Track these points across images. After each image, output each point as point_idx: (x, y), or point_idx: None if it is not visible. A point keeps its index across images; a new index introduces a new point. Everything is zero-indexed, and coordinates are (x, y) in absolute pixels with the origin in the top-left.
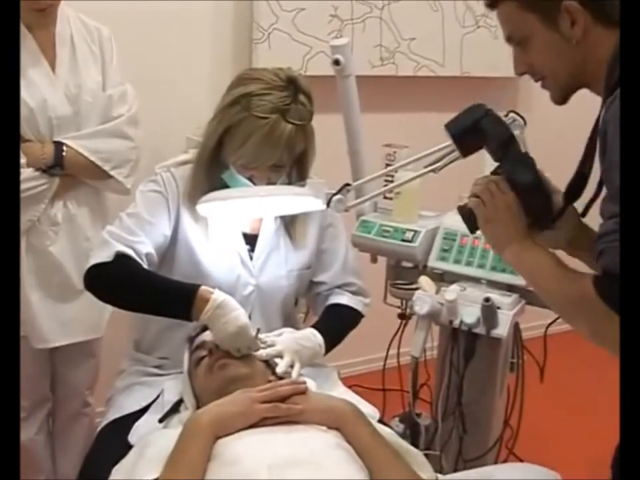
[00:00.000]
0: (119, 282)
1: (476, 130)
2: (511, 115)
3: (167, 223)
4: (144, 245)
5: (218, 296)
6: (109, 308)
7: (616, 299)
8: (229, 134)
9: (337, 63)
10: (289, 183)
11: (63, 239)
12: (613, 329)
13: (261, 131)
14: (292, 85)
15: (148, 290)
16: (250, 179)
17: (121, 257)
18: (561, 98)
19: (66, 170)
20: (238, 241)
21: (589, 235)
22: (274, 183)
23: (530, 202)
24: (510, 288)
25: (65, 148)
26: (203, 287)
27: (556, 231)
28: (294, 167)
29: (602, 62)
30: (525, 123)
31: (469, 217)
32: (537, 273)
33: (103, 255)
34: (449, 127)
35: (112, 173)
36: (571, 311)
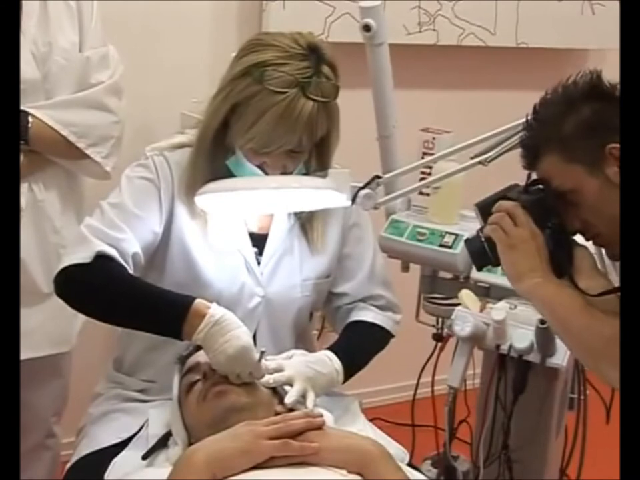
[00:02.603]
0: (98, 289)
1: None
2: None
3: (158, 218)
4: (130, 244)
5: (216, 311)
6: (80, 316)
7: None
8: (236, 112)
9: (367, 28)
10: (307, 173)
11: (27, 229)
12: None
13: (275, 108)
14: (314, 53)
15: (132, 300)
16: (261, 167)
17: (101, 258)
18: None
19: (31, 146)
20: (243, 242)
21: None
22: (289, 173)
23: (554, 242)
24: None
25: (30, 119)
26: (198, 300)
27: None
28: (314, 153)
29: None
30: None
31: (481, 250)
32: (563, 307)
33: (80, 255)
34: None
35: (88, 151)
36: (601, 350)
